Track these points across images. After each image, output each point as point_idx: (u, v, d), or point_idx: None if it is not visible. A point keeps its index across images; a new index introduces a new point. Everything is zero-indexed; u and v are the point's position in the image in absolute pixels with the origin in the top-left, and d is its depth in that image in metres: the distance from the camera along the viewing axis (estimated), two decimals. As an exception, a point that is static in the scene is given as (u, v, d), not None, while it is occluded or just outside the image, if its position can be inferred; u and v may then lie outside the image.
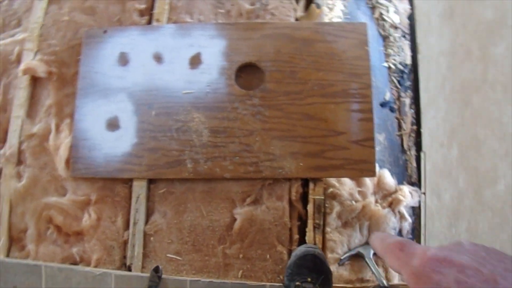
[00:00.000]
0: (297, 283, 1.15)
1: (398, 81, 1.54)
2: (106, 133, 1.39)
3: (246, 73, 1.42)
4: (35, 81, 1.49)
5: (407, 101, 1.54)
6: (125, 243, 1.38)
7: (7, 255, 1.44)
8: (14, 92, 1.50)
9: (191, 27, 1.44)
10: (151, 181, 1.40)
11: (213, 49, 1.42)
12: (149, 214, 1.39)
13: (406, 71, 1.55)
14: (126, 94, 1.41)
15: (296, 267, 1.19)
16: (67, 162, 1.41)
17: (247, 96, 1.38)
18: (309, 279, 1.15)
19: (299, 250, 1.23)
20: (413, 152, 1.51)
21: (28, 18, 1.54)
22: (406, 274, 0.39)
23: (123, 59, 1.43)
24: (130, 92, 1.41)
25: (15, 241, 1.46)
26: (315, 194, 1.36)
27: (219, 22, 1.45)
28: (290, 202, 1.36)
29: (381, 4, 1.59)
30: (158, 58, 1.42)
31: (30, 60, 1.48)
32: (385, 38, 1.57)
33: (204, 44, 1.42)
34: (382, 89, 1.53)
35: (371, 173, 1.35)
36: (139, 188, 1.38)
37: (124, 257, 1.38)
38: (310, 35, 1.41)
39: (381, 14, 1.58)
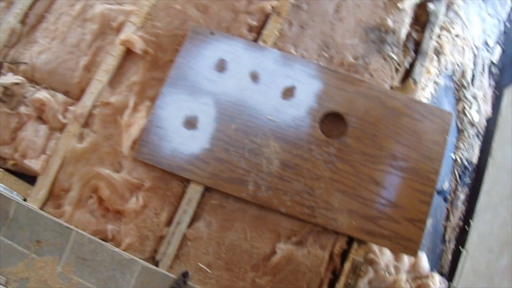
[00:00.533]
0: None
1: (459, 176, 1.59)
2: (181, 129, 1.41)
3: (330, 120, 1.45)
4: (127, 54, 1.51)
5: (462, 196, 1.59)
6: (161, 238, 1.39)
7: (41, 208, 1.43)
8: (104, 57, 1.51)
9: (294, 59, 1.47)
10: (207, 189, 1.41)
11: (308, 88, 1.45)
12: (194, 219, 1.40)
13: (469, 168, 1.60)
14: (213, 99, 1.43)
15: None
16: (134, 142, 1.41)
17: (326, 143, 1.41)
18: None
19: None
20: (452, 245, 1.55)
21: (141, -7, 1.56)
22: None
23: (221, 66, 1.46)
24: (217, 98, 1.43)
25: (53, 197, 1.45)
26: (356, 254, 1.38)
27: (321, 65, 1.49)
28: (331, 255, 1.38)
29: (466, 99, 1.64)
30: (254, 77, 1.45)
31: (132, 33, 1.49)
32: (460, 131, 1.63)
33: (301, 80, 1.45)
34: (442, 177, 1.57)
35: (413, 252, 1.39)
36: (194, 192, 1.39)
37: (155, 251, 1.39)
38: (400, 107, 1.46)
39: (463, 108, 1.64)
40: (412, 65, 1.56)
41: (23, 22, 1.59)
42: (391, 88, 1.53)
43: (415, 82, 1.52)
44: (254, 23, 1.53)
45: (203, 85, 1.44)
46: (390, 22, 1.56)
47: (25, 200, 1.42)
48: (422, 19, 1.63)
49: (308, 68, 1.47)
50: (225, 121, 1.42)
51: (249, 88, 1.44)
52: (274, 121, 1.42)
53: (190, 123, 1.42)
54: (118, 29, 1.53)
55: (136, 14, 1.53)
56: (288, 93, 1.44)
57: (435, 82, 1.60)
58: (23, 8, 1.59)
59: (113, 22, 1.53)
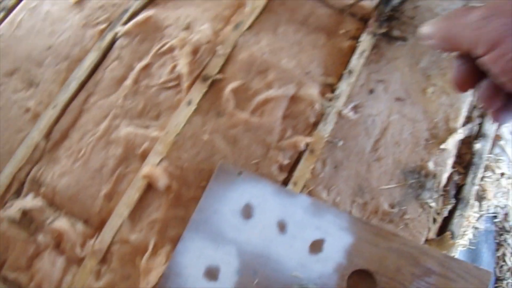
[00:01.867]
0: None
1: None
2: (201, 279, 1.34)
3: (357, 277, 1.36)
4: (150, 186, 1.45)
5: None
6: None
7: None
8: (126, 186, 1.45)
9: (325, 209, 1.38)
10: None
11: (338, 242, 1.36)
12: None
13: (506, 325, 1.50)
14: (236, 249, 1.36)
15: None
16: (152, 288, 1.36)
17: (353, 306, 1.33)
18: None
19: None
20: None
21: (169, 117, 1.49)
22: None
23: (247, 211, 1.38)
24: (241, 248, 1.36)
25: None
26: None
27: (354, 216, 1.39)
28: None
29: (507, 244, 1.53)
30: (282, 227, 1.37)
31: (154, 167, 1.43)
32: (498, 279, 1.52)
33: (331, 233, 1.37)
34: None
35: None
36: None
37: None
38: (433, 265, 1.36)
39: (503, 254, 1.52)
40: (451, 212, 1.45)
41: (47, 137, 1.55)
42: (427, 240, 1.43)
43: (453, 236, 1.41)
44: (285, 161, 1.44)
45: (227, 232, 1.37)
46: (431, 165, 1.45)
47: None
48: (465, 158, 1.51)
49: (339, 219, 1.38)
50: (248, 274, 1.34)
51: (276, 239, 1.36)
52: (298, 277, 1.34)
53: (212, 273, 1.35)
54: (143, 157, 1.46)
55: (162, 142, 1.46)
56: (316, 246, 1.36)
57: (475, 227, 1.49)
58: (48, 122, 1.54)
59: (138, 148, 1.47)
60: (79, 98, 1.53)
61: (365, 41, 1.55)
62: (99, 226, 1.45)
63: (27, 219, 1.46)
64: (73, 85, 1.54)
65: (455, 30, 0.37)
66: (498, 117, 0.64)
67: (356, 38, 1.59)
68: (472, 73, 0.54)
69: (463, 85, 0.60)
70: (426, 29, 0.45)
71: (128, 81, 1.52)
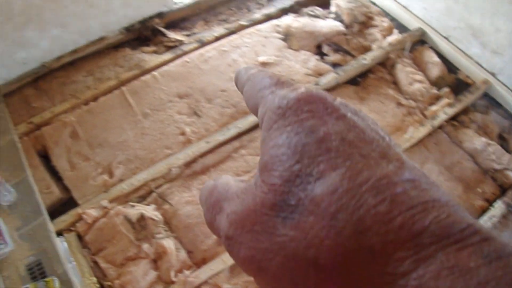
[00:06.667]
0: None
1: None
2: None
3: None
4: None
5: None
6: None
7: None
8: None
9: None
10: None
11: None
12: None
13: None
14: None
15: None
16: None
17: None
18: None
19: None
20: None
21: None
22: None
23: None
24: None
25: None
26: None
27: None
28: None
29: None
30: None
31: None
32: None
33: None
34: None
35: None
36: None
37: None
38: None
39: None
40: None
41: (189, 165, 1.70)
42: None
43: None
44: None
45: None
46: None
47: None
48: None
49: None
50: None
51: None
52: None
53: None
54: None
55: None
56: None
57: None
58: (196, 152, 1.69)
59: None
60: (232, 145, 1.70)
61: (498, 208, 1.67)
62: (199, 263, 1.55)
63: (141, 225, 1.58)
64: (232, 131, 1.71)
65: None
66: None
67: (489, 201, 1.73)
68: None
69: None
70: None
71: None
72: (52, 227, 1.62)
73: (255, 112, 0.27)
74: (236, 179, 0.27)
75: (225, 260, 1.53)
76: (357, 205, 0.19)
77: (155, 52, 1.95)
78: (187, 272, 1.54)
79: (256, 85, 0.28)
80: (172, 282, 1.53)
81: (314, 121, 0.22)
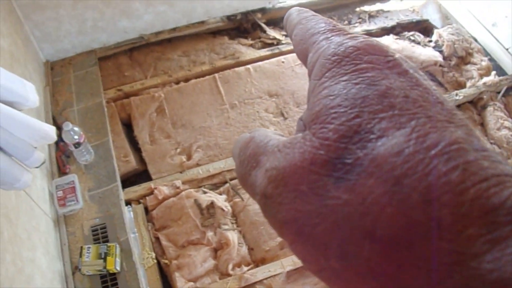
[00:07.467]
0: None
1: None
2: None
3: None
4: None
5: None
6: None
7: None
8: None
9: None
10: None
11: None
12: None
13: None
14: None
15: None
16: None
17: None
18: None
19: None
20: None
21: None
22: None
23: None
24: None
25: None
26: None
27: None
28: None
29: None
30: None
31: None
32: None
33: None
34: None
35: None
36: None
37: None
38: None
39: None
40: None
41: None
42: None
43: None
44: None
45: None
46: None
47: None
48: None
49: None
50: None
51: None
52: None
53: None
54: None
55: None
56: None
57: None
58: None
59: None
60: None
61: None
62: (258, 261, 1.55)
63: (209, 212, 1.59)
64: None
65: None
66: None
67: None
68: None
69: None
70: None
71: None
72: (122, 195, 1.66)
73: (303, 59, 0.25)
74: (276, 132, 0.24)
75: (284, 264, 1.52)
76: (425, 170, 0.16)
77: (251, 46, 1.96)
78: (245, 268, 1.54)
79: (309, 29, 0.25)
80: (229, 275, 1.53)
81: (374, 73, 0.20)
